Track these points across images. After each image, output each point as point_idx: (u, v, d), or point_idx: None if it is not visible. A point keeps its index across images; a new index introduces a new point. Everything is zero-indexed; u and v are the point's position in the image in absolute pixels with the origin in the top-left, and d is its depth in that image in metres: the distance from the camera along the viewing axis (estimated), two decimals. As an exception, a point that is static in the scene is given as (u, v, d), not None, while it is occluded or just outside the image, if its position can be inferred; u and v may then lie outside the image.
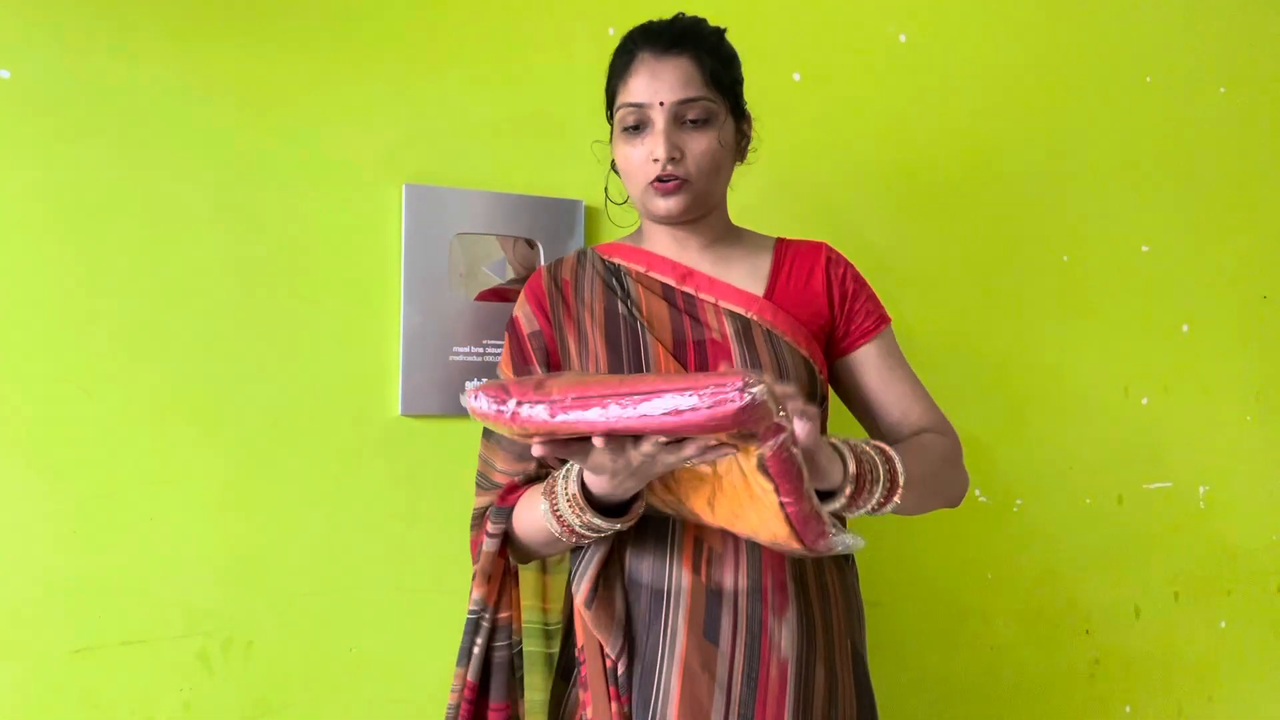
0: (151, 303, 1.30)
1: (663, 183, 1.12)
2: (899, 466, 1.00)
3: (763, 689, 1.04)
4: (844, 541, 0.93)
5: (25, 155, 1.25)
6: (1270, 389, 2.03)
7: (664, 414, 0.81)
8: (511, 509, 1.11)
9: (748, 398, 0.78)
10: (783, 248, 1.23)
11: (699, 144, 1.12)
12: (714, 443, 0.87)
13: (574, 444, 0.89)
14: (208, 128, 1.33)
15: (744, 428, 0.82)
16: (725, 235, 1.22)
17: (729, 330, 1.14)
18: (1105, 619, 1.87)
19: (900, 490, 1.00)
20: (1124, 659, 1.89)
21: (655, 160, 1.11)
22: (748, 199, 1.42)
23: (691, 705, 1.03)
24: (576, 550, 1.12)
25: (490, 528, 1.11)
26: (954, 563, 1.76)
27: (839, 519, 1.00)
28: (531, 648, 1.20)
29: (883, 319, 1.22)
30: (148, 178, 1.30)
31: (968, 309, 1.80)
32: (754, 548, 1.08)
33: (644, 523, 1.10)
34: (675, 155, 1.11)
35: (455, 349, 1.43)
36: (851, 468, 0.96)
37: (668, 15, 1.18)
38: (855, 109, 1.72)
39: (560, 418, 0.84)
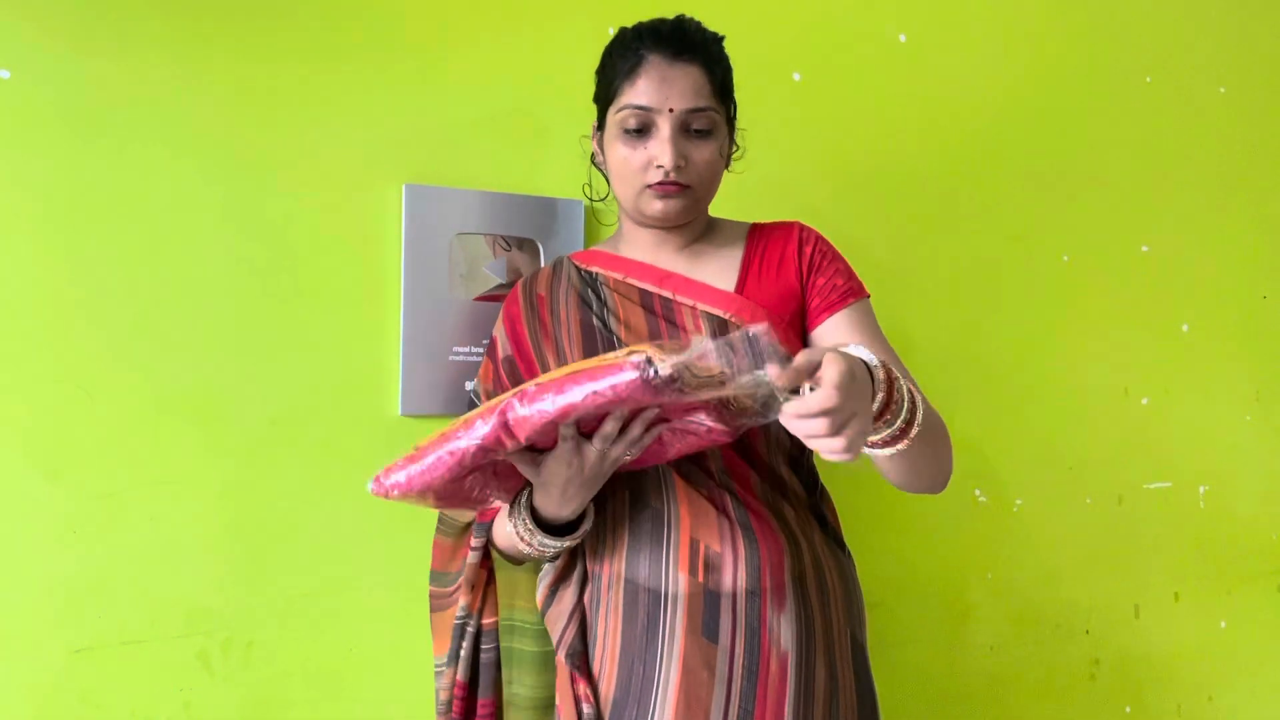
0: (152, 303, 1.30)
1: (663, 185, 1.11)
2: (919, 404, 0.93)
3: (763, 682, 1.05)
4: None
5: (25, 155, 1.25)
6: (1270, 389, 2.03)
7: (585, 397, 0.86)
8: (490, 524, 1.18)
9: (651, 376, 0.82)
10: (755, 235, 1.22)
11: (702, 153, 1.12)
12: (651, 421, 0.96)
13: (525, 453, 0.97)
14: (208, 128, 1.33)
15: (659, 398, 0.86)
16: (702, 233, 1.22)
17: (705, 333, 1.13)
18: (1105, 619, 1.88)
19: (916, 428, 0.91)
20: (1124, 659, 1.89)
21: (659, 167, 1.10)
22: (747, 199, 1.42)
23: (690, 700, 1.04)
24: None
25: (473, 541, 1.20)
26: (954, 563, 1.76)
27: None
28: (524, 646, 1.24)
29: (853, 292, 1.16)
30: (148, 178, 1.30)
31: (968, 309, 1.80)
32: (752, 550, 1.08)
33: (640, 527, 1.12)
34: (680, 164, 1.10)
35: (455, 349, 1.43)
36: (881, 393, 0.88)
37: (667, 15, 1.16)
38: (855, 109, 1.72)
39: (524, 410, 0.91)
